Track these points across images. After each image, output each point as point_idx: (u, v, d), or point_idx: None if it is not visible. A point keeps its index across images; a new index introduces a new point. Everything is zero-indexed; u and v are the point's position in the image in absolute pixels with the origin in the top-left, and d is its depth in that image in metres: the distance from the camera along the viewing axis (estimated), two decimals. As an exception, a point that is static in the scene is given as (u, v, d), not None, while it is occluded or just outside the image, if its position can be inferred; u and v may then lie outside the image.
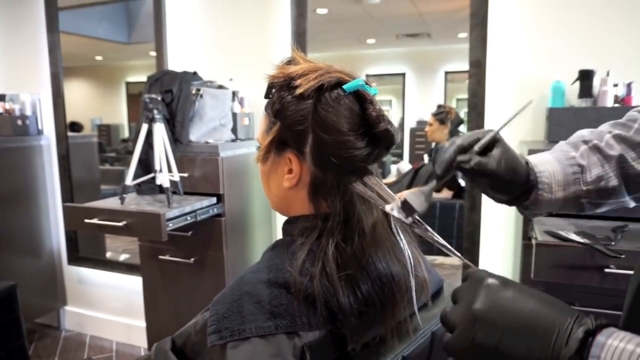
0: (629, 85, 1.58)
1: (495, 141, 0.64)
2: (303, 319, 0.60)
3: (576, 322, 0.42)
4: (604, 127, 0.70)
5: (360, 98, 0.65)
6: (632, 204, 0.68)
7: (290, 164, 0.68)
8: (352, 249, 0.64)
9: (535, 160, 0.68)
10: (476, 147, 0.62)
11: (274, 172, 0.72)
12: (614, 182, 0.65)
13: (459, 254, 0.60)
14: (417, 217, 0.61)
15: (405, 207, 0.60)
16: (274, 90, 0.69)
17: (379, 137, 0.65)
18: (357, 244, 0.64)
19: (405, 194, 0.61)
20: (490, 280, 0.48)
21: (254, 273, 0.65)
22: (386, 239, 0.68)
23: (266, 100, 0.72)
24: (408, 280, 0.69)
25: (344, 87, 0.64)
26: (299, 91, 0.63)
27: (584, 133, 0.70)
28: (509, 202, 0.69)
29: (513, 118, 0.65)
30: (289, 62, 0.69)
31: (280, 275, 0.63)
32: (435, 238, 0.61)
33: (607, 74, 1.59)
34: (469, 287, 0.49)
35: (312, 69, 0.65)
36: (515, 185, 0.65)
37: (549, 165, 0.67)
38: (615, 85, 1.60)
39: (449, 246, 0.60)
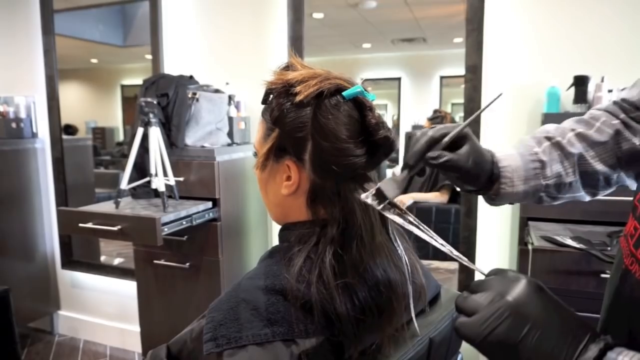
0: (622, 91, 1.60)
1: (464, 136, 0.64)
2: (300, 326, 0.59)
3: (598, 338, 0.45)
4: (568, 123, 0.72)
5: (360, 105, 0.65)
6: (587, 198, 0.72)
7: (289, 171, 0.68)
8: (350, 256, 0.64)
9: (500, 154, 0.70)
10: (444, 141, 0.63)
11: (272, 179, 0.71)
12: (571, 178, 0.69)
13: (460, 255, 0.59)
14: (400, 207, 0.62)
15: (379, 194, 0.61)
16: (272, 96, 0.68)
17: (378, 145, 0.65)
18: (355, 252, 0.64)
19: (380, 183, 0.62)
20: (530, 279, 0.49)
21: (250, 280, 0.65)
22: (384, 245, 0.68)
23: (263, 106, 0.72)
24: (406, 286, 0.68)
25: (344, 93, 0.64)
26: (298, 98, 0.63)
27: (549, 129, 0.72)
28: (475, 192, 0.71)
29: (481, 112, 0.67)
30: (287, 67, 0.69)
31: (277, 282, 0.62)
32: (428, 234, 0.59)
33: (602, 80, 1.60)
34: (501, 280, 0.50)
35: (311, 75, 0.65)
36: (481, 178, 0.67)
37: (512, 160, 0.69)
38: (610, 91, 1.61)
39: (445, 244, 0.59)
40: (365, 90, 0.65)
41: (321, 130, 0.63)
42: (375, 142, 0.65)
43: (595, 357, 0.43)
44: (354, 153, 0.63)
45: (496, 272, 0.52)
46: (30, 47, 2.74)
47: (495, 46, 1.85)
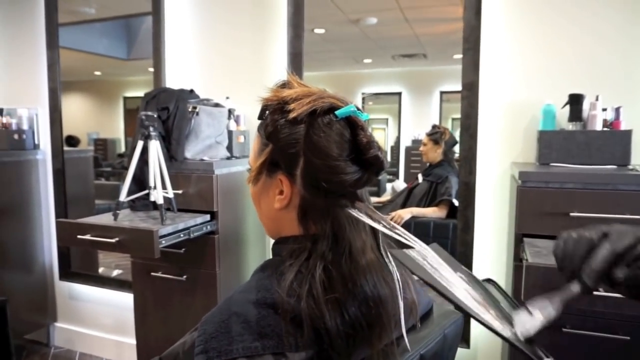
0: (617, 110, 1.61)
1: None
2: (290, 339, 0.60)
3: None
4: None
5: (352, 124, 0.66)
6: None
7: (282, 185, 0.69)
8: (340, 271, 0.65)
9: None
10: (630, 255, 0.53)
11: (265, 193, 0.73)
12: None
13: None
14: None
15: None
16: (267, 112, 0.70)
17: (369, 163, 0.66)
18: (345, 267, 0.65)
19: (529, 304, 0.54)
20: None
21: (242, 293, 0.66)
22: (375, 261, 0.69)
23: (259, 122, 0.74)
24: (396, 302, 0.69)
25: (336, 112, 0.65)
26: (292, 115, 0.65)
27: None
28: None
29: None
30: (284, 85, 0.71)
31: (268, 296, 0.63)
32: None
33: (597, 99, 1.62)
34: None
35: (305, 93, 0.67)
36: None
37: None
38: (604, 109, 1.63)
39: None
40: (359, 109, 0.67)
41: (313, 148, 0.64)
42: (365, 160, 0.65)
43: None
44: (344, 171, 0.64)
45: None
46: (34, 60, 2.78)
47: (491, 64, 1.87)
